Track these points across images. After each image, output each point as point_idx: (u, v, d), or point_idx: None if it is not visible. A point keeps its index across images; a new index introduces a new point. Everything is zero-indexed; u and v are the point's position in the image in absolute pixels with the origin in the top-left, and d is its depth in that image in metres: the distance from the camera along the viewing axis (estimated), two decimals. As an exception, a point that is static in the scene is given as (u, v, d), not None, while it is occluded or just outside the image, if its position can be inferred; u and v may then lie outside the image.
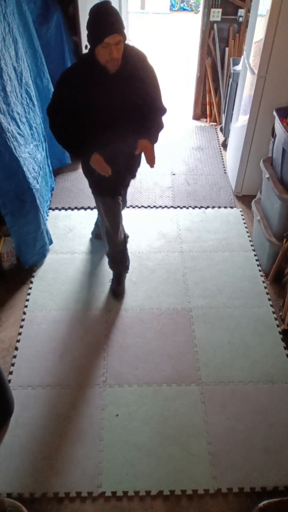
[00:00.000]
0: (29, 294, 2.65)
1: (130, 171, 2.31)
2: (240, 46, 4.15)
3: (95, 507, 1.74)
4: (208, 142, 4.35)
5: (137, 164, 2.31)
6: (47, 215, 3.22)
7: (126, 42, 1.84)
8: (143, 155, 2.12)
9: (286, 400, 2.10)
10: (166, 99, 2.16)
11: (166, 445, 1.92)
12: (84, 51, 3.39)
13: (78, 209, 3.38)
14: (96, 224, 2.94)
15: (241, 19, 4.07)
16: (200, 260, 2.91)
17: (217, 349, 2.34)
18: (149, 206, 3.43)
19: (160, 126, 2.11)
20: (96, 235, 3.00)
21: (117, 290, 2.64)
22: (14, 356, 2.29)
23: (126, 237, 2.60)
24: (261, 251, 2.86)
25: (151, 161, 2.06)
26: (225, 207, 3.41)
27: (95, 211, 3.35)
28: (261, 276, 2.80)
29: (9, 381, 2.16)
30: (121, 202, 2.40)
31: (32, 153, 2.72)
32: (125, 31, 1.78)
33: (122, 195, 2.41)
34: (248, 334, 2.42)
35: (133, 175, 2.37)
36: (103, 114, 1.93)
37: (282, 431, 1.98)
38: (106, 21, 1.67)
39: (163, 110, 2.10)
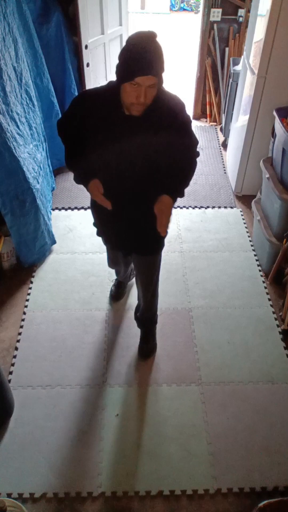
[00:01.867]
0: (29, 294, 2.65)
1: (142, 232, 1.83)
2: (240, 46, 4.15)
3: (95, 507, 1.74)
4: (208, 142, 4.35)
5: (151, 228, 1.65)
6: (51, 215, 3.21)
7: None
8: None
9: (286, 400, 2.10)
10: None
11: (166, 445, 1.92)
12: (84, 51, 3.39)
13: (78, 209, 3.38)
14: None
15: (241, 19, 4.07)
16: (200, 260, 2.91)
17: (217, 349, 2.34)
18: (149, 206, 3.42)
19: (188, 180, 1.71)
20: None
21: (142, 349, 2.29)
22: (14, 356, 2.29)
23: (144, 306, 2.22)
24: (261, 251, 2.86)
25: (162, 227, 1.60)
26: (225, 207, 3.42)
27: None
28: (261, 276, 2.80)
29: (9, 381, 2.16)
30: (128, 260, 2.17)
31: (31, 153, 2.72)
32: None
33: (130, 254, 2.03)
34: (248, 334, 2.42)
35: (148, 241, 1.87)
36: (109, 155, 1.62)
37: (282, 431, 1.98)
38: (145, 57, 1.36)
39: (194, 164, 1.71)
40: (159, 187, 1.62)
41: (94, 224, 2.03)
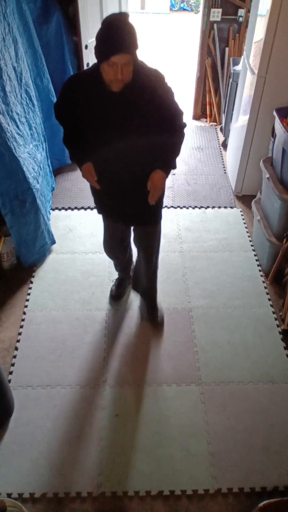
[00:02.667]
0: (29, 294, 2.65)
1: (139, 202, 1.92)
2: (240, 46, 4.15)
3: (95, 507, 1.73)
4: (208, 142, 4.35)
5: (146, 202, 1.89)
6: (50, 215, 3.21)
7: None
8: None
9: (286, 400, 2.10)
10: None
11: (166, 445, 1.92)
12: (84, 51, 3.39)
13: (78, 209, 3.38)
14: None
15: (241, 19, 4.07)
16: (200, 260, 2.91)
17: (217, 349, 2.34)
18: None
19: (177, 151, 1.84)
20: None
21: (154, 317, 2.42)
22: (14, 356, 2.29)
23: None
24: (261, 251, 2.86)
25: (152, 199, 1.85)
26: (225, 207, 3.42)
27: (95, 211, 3.34)
28: (261, 276, 2.80)
29: (9, 381, 2.16)
30: (128, 234, 2.24)
31: (31, 153, 2.72)
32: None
33: (130, 227, 2.17)
34: (248, 334, 2.42)
35: (145, 211, 1.98)
36: (101, 132, 1.74)
37: (282, 431, 1.98)
38: (117, 37, 1.46)
39: (181, 134, 1.82)
40: (150, 158, 1.77)
41: (95, 200, 2.13)
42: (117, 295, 2.60)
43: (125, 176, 1.86)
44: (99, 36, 1.51)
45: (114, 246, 2.36)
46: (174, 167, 1.86)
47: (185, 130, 1.85)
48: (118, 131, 1.71)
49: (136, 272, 2.45)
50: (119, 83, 1.58)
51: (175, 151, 1.84)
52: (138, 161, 1.80)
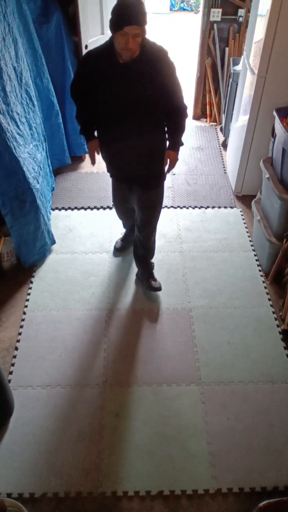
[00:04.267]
0: (29, 294, 2.65)
1: (142, 167, 2.20)
2: (240, 46, 4.15)
3: (95, 507, 1.73)
4: (208, 142, 4.35)
5: (154, 164, 2.21)
6: (50, 215, 3.21)
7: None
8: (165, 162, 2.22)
9: (286, 400, 2.10)
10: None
11: (166, 445, 1.92)
12: (84, 51, 3.39)
13: (78, 209, 3.38)
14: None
15: (241, 19, 4.07)
16: (200, 260, 2.91)
17: (217, 349, 2.34)
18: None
19: (181, 128, 2.13)
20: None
21: (149, 283, 2.60)
22: (14, 356, 2.29)
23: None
24: (261, 251, 2.86)
25: (168, 171, 2.25)
26: (225, 207, 3.42)
27: (95, 211, 3.36)
28: (261, 276, 2.80)
29: (9, 381, 2.16)
30: (132, 198, 2.43)
31: (31, 153, 2.72)
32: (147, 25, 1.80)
33: (136, 190, 2.33)
34: (248, 334, 2.42)
35: (147, 176, 2.24)
36: (112, 101, 1.98)
37: (282, 431, 1.98)
38: (130, 11, 1.71)
39: (183, 110, 2.08)
40: (153, 127, 2.05)
41: (106, 164, 2.37)
42: (121, 248, 2.91)
43: (131, 143, 2.07)
44: (115, 10, 1.76)
45: (121, 207, 2.68)
46: (182, 144, 2.17)
47: (185, 130, 2.11)
48: (125, 100, 1.94)
49: (136, 239, 2.63)
50: (128, 52, 1.81)
51: (180, 130, 2.13)
52: (142, 130, 2.03)
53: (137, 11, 1.73)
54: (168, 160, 2.19)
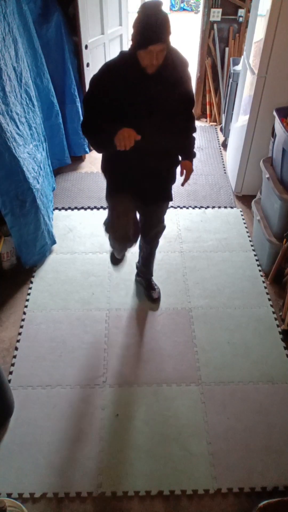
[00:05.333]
0: (29, 294, 2.65)
1: (155, 180, 2.12)
2: (240, 46, 4.15)
3: (95, 507, 1.73)
4: (208, 142, 4.35)
5: (167, 178, 2.18)
6: (52, 215, 3.21)
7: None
8: (178, 177, 2.20)
9: (286, 400, 2.10)
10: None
11: (166, 445, 1.92)
12: (84, 51, 3.39)
13: (78, 209, 3.38)
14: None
15: (241, 19, 4.07)
16: (200, 260, 2.91)
17: (217, 349, 2.34)
18: (149, 206, 3.42)
19: (194, 140, 2.18)
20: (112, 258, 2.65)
21: (151, 294, 2.62)
22: (14, 356, 2.29)
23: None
24: (261, 251, 2.86)
25: (185, 181, 2.20)
26: (225, 207, 3.41)
27: (95, 211, 3.36)
28: (261, 276, 2.80)
29: (9, 381, 2.16)
30: (136, 215, 2.28)
31: (31, 153, 2.72)
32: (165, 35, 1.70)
33: (140, 207, 2.25)
34: (248, 334, 2.42)
35: (158, 189, 2.18)
36: (136, 111, 1.90)
37: (282, 431, 1.98)
38: (155, 28, 1.64)
39: (194, 122, 2.14)
40: (171, 139, 1.99)
41: (114, 177, 2.18)
42: (119, 260, 2.61)
43: (151, 153, 2.00)
44: (137, 25, 1.68)
45: (123, 218, 2.22)
46: (195, 155, 2.20)
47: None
48: (150, 109, 1.88)
49: (140, 258, 2.61)
50: (154, 67, 1.76)
51: (193, 142, 2.17)
52: (161, 141, 1.98)
53: (163, 27, 1.65)
54: (184, 170, 2.17)
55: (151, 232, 2.38)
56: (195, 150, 2.21)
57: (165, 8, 1.69)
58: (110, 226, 2.22)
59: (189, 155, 2.17)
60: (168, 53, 1.78)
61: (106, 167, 2.15)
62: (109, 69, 1.88)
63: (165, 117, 1.93)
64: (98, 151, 2.07)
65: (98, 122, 1.92)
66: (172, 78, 1.86)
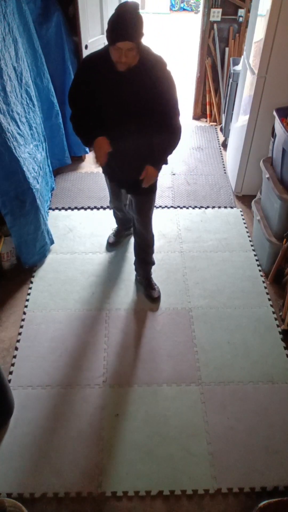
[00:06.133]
0: (29, 294, 2.65)
1: (133, 172, 2.13)
2: (240, 46, 4.15)
3: (95, 507, 1.73)
4: (208, 142, 4.35)
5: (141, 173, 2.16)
6: (48, 215, 3.21)
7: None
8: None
9: (286, 400, 2.10)
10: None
11: (166, 445, 1.92)
12: (84, 51, 3.39)
13: (78, 209, 3.38)
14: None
15: (241, 19, 4.07)
16: (200, 260, 2.91)
17: (217, 349, 2.34)
18: (149, 206, 3.42)
19: (170, 148, 2.05)
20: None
21: (150, 294, 2.61)
22: (14, 356, 2.29)
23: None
24: (261, 251, 2.86)
25: (145, 184, 2.13)
26: (225, 207, 3.41)
27: (95, 211, 3.36)
28: (261, 276, 2.80)
29: (9, 381, 2.16)
30: (127, 200, 2.53)
31: (32, 153, 2.72)
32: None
33: (129, 193, 2.35)
34: (248, 334, 2.42)
35: (138, 181, 2.17)
36: (108, 107, 1.97)
37: (282, 431, 1.98)
38: (123, 25, 1.68)
39: (176, 129, 2.00)
40: (147, 137, 2.01)
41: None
42: (114, 243, 2.98)
43: (125, 149, 2.06)
44: (110, 22, 1.72)
45: (113, 201, 2.69)
46: (166, 163, 2.14)
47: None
48: (122, 108, 1.93)
49: (135, 241, 2.64)
50: (123, 65, 1.79)
51: (167, 151, 2.08)
52: (137, 138, 2.02)
53: (132, 26, 1.68)
54: (146, 172, 2.07)
55: (138, 219, 2.41)
56: (172, 155, 2.11)
57: (142, 10, 1.72)
58: (110, 200, 2.71)
59: (157, 161, 2.07)
60: (141, 55, 1.82)
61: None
62: (87, 60, 1.98)
63: (137, 117, 1.95)
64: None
65: (82, 117, 2.03)
66: (147, 79, 1.86)
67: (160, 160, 2.09)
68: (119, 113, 1.96)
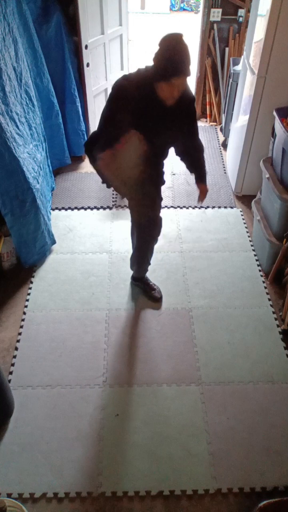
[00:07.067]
0: (29, 294, 2.65)
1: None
2: (240, 46, 4.15)
3: (95, 507, 1.74)
4: (208, 142, 4.35)
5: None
6: (50, 215, 3.21)
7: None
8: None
9: (286, 400, 2.10)
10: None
11: (166, 445, 1.92)
12: (84, 51, 3.39)
13: (78, 209, 3.38)
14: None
15: (241, 19, 4.07)
16: (200, 260, 2.91)
17: (217, 349, 2.34)
18: (149, 206, 3.42)
19: (204, 162, 2.24)
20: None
21: (152, 295, 2.62)
22: (14, 356, 2.29)
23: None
24: (261, 251, 2.85)
25: (200, 201, 2.34)
26: (225, 207, 3.41)
27: (95, 211, 3.36)
28: (261, 276, 2.80)
29: (9, 381, 2.16)
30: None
31: (31, 153, 2.72)
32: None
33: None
34: (248, 334, 2.42)
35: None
36: (147, 134, 1.75)
37: (282, 431, 1.98)
38: (179, 61, 1.63)
39: (202, 146, 2.19)
40: (164, 159, 2.14)
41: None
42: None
43: (152, 173, 2.04)
44: (160, 56, 1.65)
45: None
46: (206, 174, 2.29)
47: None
48: (160, 132, 1.90)
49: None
50: (172, 100, 1.77)
51: (204, 165, 2.25)
52: (160, 161, 2.13)
53: (186, 59, 1.63)
54: (201, 191, 2.28)
55: (157, 216, 2.40)
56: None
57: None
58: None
59: (203, 177, 2.25)
60: (183, 89, 1.79)
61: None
62: (129, 82, 1.79)
63: (167, 144, 2.05)
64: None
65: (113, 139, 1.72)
66: (183, 112, 1.91)
67: (205, 175, 2.25)
68: (153, 143, 1.86)
